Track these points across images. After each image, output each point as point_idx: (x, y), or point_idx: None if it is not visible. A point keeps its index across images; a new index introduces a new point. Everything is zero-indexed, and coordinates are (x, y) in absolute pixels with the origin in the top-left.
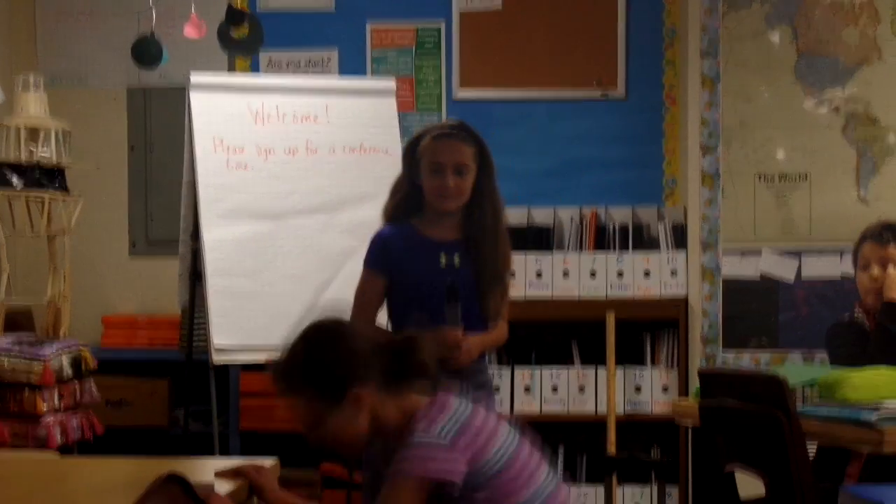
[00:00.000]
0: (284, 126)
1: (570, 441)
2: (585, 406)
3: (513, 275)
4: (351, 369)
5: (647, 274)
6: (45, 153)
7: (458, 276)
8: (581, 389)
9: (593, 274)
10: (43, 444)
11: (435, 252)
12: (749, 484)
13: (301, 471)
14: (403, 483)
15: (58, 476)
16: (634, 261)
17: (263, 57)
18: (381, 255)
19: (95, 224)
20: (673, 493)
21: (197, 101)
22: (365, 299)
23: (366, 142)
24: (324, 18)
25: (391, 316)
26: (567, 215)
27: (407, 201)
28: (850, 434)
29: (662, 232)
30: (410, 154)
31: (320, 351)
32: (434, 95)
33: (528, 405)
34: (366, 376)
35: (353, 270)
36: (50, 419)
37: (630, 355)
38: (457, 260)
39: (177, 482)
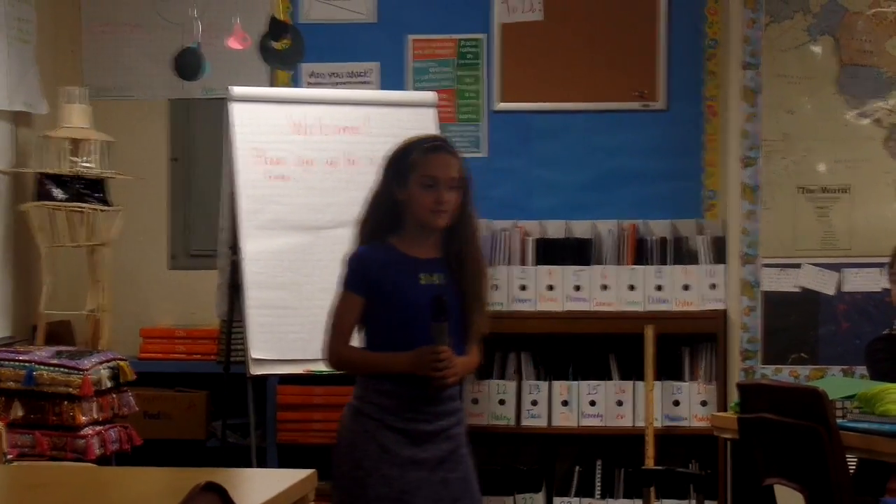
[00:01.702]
0: (324, 137)
1: (608, 455)
2: (623, 420)
3: (495, 288)
4: None
5: (686, 287)
6: (88, 164)
7: (443, 295)
8: (619, 403)
9: (632, 287)
10: (82, 455)
11: (416, 271)
12: (789, 498)
13: None
14: None
15: (95, 485)
16: (674, 274)
17: (305, 69)
18: (360, 274)
19: (135, 236)
20: None
21: (237, 112)
22: (343, 321)
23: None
24: (365, 30)
25: (370, 337)
26: (606, 228)
27: (388, 217)
28: (891, 448)
29: (702, 245)
30: (396, 166)
31: None
32: (475, 107)
33: (565, 419)
34: None
35: None
36: (89, 431)
37: (669, 369)
38: (437, 279)
39: (215, 491)
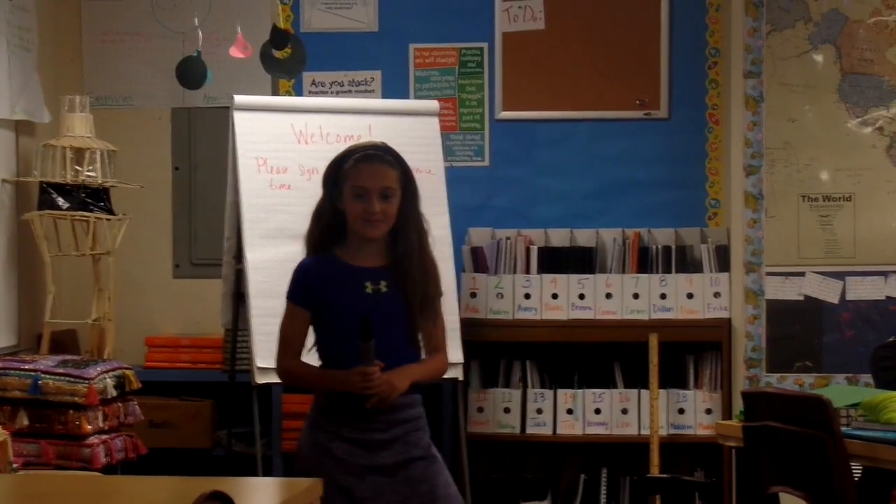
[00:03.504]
0: (328, 146)
1: (614, 463)
2: (628, 428)
3: (500, 296)
4: None
5: (690, 296)
6: (91, 173)
7: (386, 304)
8: (624, 411)
9: (636, 296)
10: (87, 464)
11: (360, 280)
12: None
13: None
14: None
15: (101, 494)
16: (677, 282)
17: (307, 77)
18: (303, 287)
19: (139, 244)
20: None
21: (240, 121)
22: (290, 334)
23: (409, 161)
24: (367, 39)
25: (321, 348)
26: (610, 237)
27: (330, 228)
28: (895, 456)
29: (706, 253)
30: (333, 177)
31: None
32: (477, 116)
33: (570, 427)
34: None
35: None
36: (94, 440)
37: (673, 377)
38: (384, 287)
39: (220, 500)
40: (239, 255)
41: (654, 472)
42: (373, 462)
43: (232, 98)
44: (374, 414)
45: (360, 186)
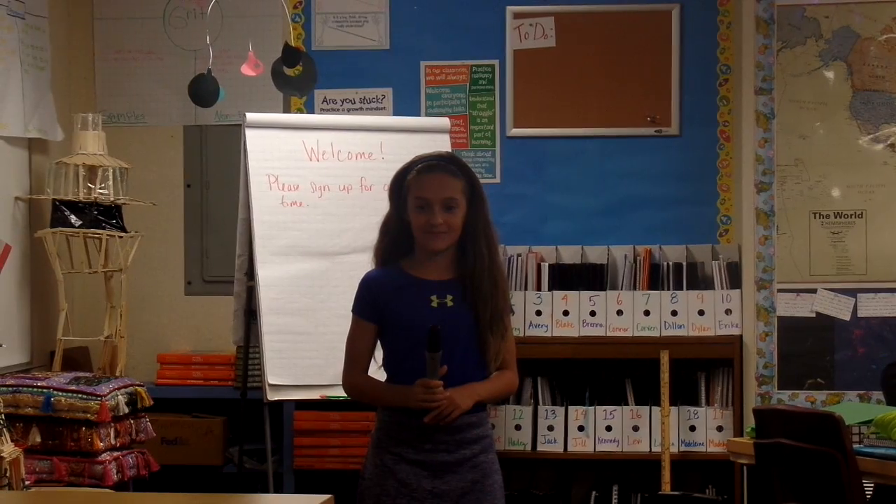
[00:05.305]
0: (339, 163)
1: (625, 480)
2: (640, 445)
3: (513, 312)
4: None
5: (701, 312)
6: (103, 191)
7: (452, 318)
8: (635, 428)
9: (647, 312)
10: (99, 481)
11: (426, 293)
12: None
13: None
14: None
15: None
16: (689, 299)
17: (318, 94)
18: (368, 300)
19: (151, 262)
20: None
21: (252, 138)
22: (356, 348)
23: None
24: (378, 56)
25: (386, 362)
26: (621, 253)
27: (398, 241)
28: None
29: (717, 270)
30: (397, 189)
31: None
32: (488, 132)
33: (581, 444)
34: None
35: None
36: (106, 456)
37: (684, 394)
38: (450, 301)
39: None
40: (251, 272)
41: (666, 489)
42: (437, 488)
43: (244, 115)
44: (439, 434)
45: (423, 197)
